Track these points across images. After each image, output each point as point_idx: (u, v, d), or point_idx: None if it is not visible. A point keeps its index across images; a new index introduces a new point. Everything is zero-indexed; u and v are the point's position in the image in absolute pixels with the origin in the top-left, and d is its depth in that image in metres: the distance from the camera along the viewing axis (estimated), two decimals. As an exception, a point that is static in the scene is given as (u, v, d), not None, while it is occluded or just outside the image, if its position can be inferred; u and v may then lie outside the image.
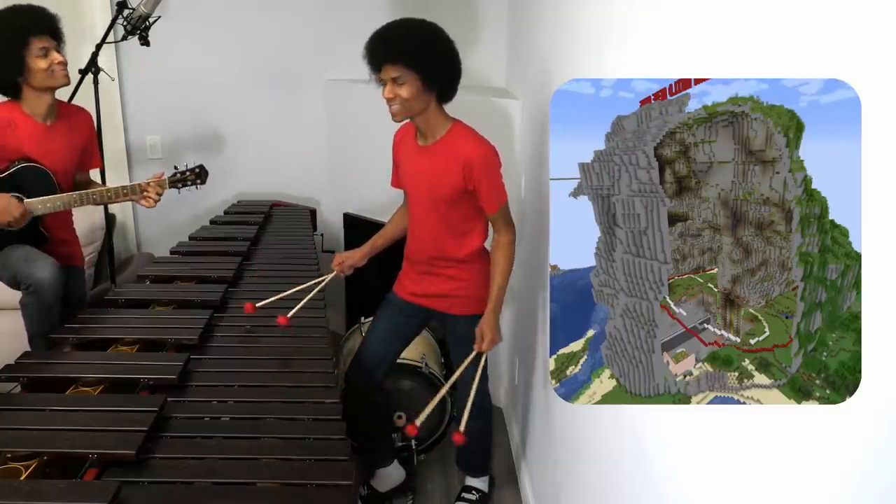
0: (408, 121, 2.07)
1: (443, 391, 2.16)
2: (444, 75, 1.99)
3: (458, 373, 2.17)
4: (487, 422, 2.48)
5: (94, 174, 2.64)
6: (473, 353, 2.15)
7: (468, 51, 3.24)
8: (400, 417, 2.65)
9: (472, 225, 2.15)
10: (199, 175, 2.58)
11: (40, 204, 2.23)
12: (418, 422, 1.98)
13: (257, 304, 2.17)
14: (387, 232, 2.38)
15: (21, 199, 2.19)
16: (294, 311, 2.12)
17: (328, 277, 2.31)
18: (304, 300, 2.18)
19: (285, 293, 2.22)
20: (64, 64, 2.22)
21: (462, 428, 2.02)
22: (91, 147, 2.49)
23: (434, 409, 2.67)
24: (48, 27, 2.21)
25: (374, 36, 1.96)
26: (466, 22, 3.24)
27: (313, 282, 2.28)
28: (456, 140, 2.04)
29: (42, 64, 2.17)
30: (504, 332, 3.08)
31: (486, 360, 2.36)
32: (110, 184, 2.64)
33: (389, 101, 1.96)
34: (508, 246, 2.14)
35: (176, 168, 2.56)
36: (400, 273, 2.34)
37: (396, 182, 2.29)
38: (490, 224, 2.16)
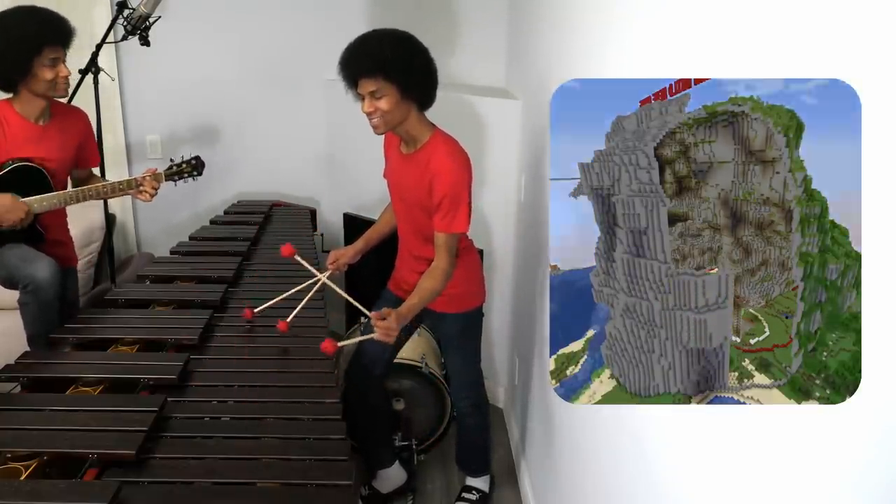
0: None
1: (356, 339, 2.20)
2: (421, 83, 1.97)
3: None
4: (485, 420, 2.48)
5: (94, 171, 2.62)
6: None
7: (468, 51, 3.24)
8: (399, 401, 2.65)
9: None
10: (195, 166, 2.54)
11: (36, 202, 2.21)
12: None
13: (255, 310, 2.17)
14: (379, 227, 2.38)
15: (18, 198, 2.17)
16: (293, 314, 2.12)
17: (324, 276, 2.30)
18: (303, 302, 2.17)
19: (284, 295, 2.21)
20: (68, 77, 2.20)
21: (340, 343, 1.91)
22: (88, 144, 2.46)
23: (434, 409, 2.71)
24: (63, 38, 2.18)
25: (347, 51, 1.94)
26: (466, 22, 3.24)
27: (310, 282, 2.27)
28: (431, 153, 2.01)
29: (48, 74, 2.14)
30: (504, 331, 3.10)
31: (477, 361, 2.35)
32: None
33: (369, 115, 1.95)
34: (441, 274, 2.02)
35: (172, 160, 2.53)
36: (394, 269, 2.35)
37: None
38: (434, 243, 2.04)
